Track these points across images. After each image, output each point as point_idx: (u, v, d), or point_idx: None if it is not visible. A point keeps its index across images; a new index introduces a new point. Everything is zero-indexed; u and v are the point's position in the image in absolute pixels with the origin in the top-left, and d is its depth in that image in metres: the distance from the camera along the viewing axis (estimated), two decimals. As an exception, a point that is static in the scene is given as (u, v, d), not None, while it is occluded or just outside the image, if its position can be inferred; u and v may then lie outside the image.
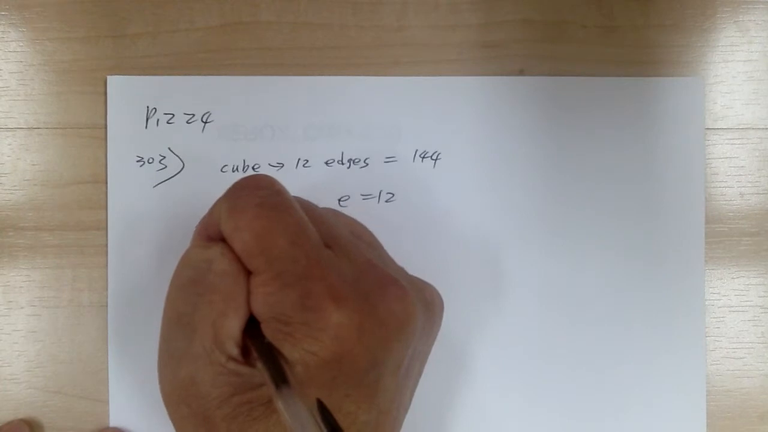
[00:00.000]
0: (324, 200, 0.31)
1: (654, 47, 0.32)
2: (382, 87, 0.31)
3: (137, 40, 0.31)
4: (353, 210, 0.31)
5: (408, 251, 0.29)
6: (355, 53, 0.31)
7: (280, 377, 0.21)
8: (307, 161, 0.31)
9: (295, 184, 0.31)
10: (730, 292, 0.32)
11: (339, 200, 0.31)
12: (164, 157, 0.31)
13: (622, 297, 0.31)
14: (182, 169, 0.31)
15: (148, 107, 0.31)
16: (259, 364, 0.22)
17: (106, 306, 0.30)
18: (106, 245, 0.30)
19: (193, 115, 0.31)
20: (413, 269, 0.26)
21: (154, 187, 0.31)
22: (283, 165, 0.31)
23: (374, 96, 0.31)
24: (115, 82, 0.31)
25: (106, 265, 0.30)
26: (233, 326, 0.22)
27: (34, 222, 0.31)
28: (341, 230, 0.24)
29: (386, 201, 0.31)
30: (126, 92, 0.31)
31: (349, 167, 0.31)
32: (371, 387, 0.22)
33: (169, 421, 0.30)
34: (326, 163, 0.31)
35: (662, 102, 0.32)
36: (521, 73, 0.32)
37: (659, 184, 0.32)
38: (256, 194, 0.23)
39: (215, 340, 0.22)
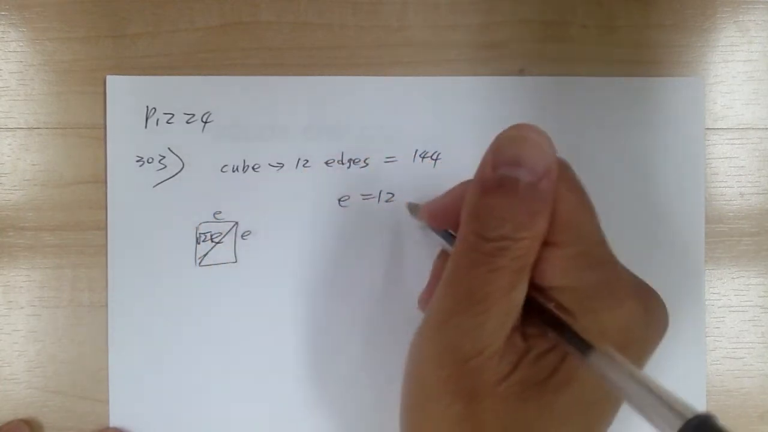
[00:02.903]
0: (324, 200, 0.31)
1: (654, 47, 0.32)
2: (382, 87, 0.31)
3: (137, 40, 0.31)
4: (353, 210, 0.31)
5: (408, 251, 0.29)
6: (356, 53, 0.31)
7: (584, 343, 0.20)
8: (307, 161, 0.31)
9: (295, 184, 0.31)
10: (730, 292, 0.32)
11: (339, 200, 0.31)
12: (164, 157, 0.31)
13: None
14: (182, 169, 0.31)
15: (147, 107, 0.31)
16: (555, 335, 0.21)
17: (106, 306, 0.30)
18: (106, 245, 0.30)
19: (193, 115, 0.31)
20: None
21: (154, 187, 0.31)
22: (283, 165, 0.31)
23: (374, 96, 0.31)
24: (114, 81, 0.31)
25: (106, 265, 0.30)
26: (521, 297, 0.21)
27: (34, 222, 0.31)
28: None
29: (386, 201, 0.31)
30: (126, 92, 0.31)
31: (349, 167, 0.31)
32: None
33: (168, 421, 0.30)
34: (326, 163, 0.31)
35: (662, 102, 0.32)
36: (521, 73, 0.32)
37: (659, 184, 0.32)
38: (566, 167, 0.23)
39: (508, 312, 0.21)
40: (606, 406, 0.22)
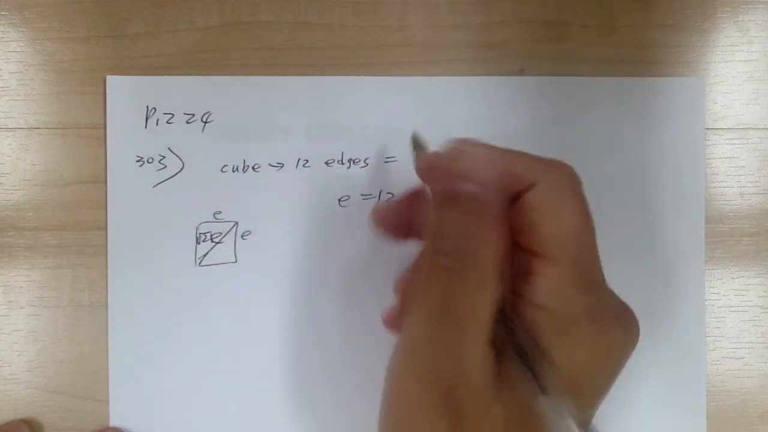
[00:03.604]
0: (324, 200, 0.31)
1: (654, 47, 0.32)
2: (382, 87, 0.31)
3: (137, 40, 0.31)
4: (353, 210, 0.31)
5: (408, 251, 0.29)
6: (356, 53, 0.31)
7: (541, 384, 0.20)
8: (307, 161, 0.31)
9: (295, 184, 0.31)
10: (730, 292, 0.32)
11: (339, 200, 0.31)
12: (164, 157, 0.31)
13: (622, 297, 0.31)
14: (182, 169, 0.31)
15: (147, 107, 0.31)
16: (520, 364, 0.21)
17: (106, 306, 0.30)
18: (106, 245, 0.30)
19: (193, 115, 0.31)
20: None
21: (154, 187, 0.31)
22: (283, 165, 0.31)
23: (374, 96, 0.31)
24: (114, 81, 0.31)
25: (106, 265, 0.30)
26: (490, 311, 0.21)
27: (34, 222, 0.31)
28: None
29: (386, 201, 0.31)
30: (126, 92, 0.31)
31: (349, 167, 0.31)
32: (595, 409, 0.22)
33: (168, 421, 0.30)
34: (326, 163, 0.31)
35: (662, 102, 0.32)
36: (521, 73, 0.32)
37: (659, 184, 0.32)
38: (583, 191, 0.22)
39: (480, 328, 0.21)
40: None
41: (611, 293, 0.23)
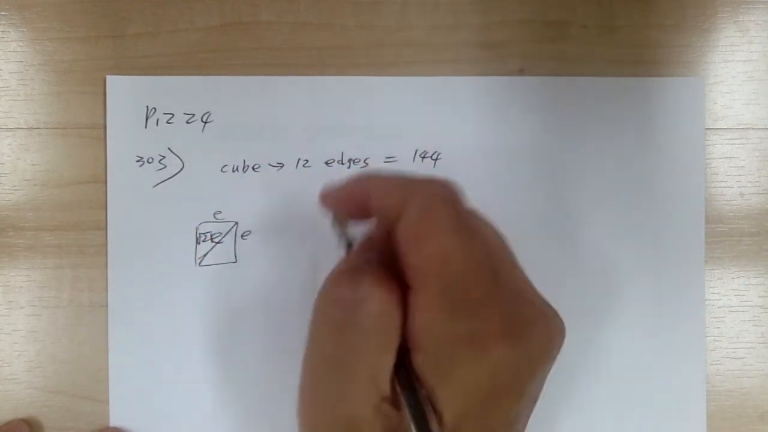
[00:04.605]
0: (324, 200, 0.31)
1: (654, 47, 0.32)
2: (382, 87, 0.31)
3: (137, 40, 0.31)
4: (353, 210, 0.31)
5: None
6: (356, 53, 0.31)
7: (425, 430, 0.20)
8: (307, 161, 0.31)
9: (295, 184, 0.31)
10: (730, 292, 0.32)
11: (339, 200, 0.31)
12: (164, 157, 0.31)
13: (622, 297, 0.31)
14: (182, 169, 0.31)
15: (147, 107, 0.31)
16: (406, 413, 0.20)
17: (106, 306, 0.30)
18: (106, 245, 0.30)
19: (193, 115, 0.31)
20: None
21: (154, 187, 0.31)
22: (283, 165, 0.31)
23: (374, 96, 0.31)
24: (114, 82, 0.31)
25: (106, 265, 0.30)
26: (388, 364, 0.20)
27: (34, 222, 0.31)
28: (505, 248, 0.23)
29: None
30: (125, 92, 0.31)
31: (349, 167, 0.31)
32: (510, 427, 0.21)
33: (168, 421, 0.30)
34: (326, 163, 0.31)
35: (662, 102, 0.32)
36: (521, 73, 0.32)
37: (659, 184, 0.32)
38: (454, 209, 0.21)
39: (372, 380, 0.20)
40: None
41: (512, 304, 0.21)
